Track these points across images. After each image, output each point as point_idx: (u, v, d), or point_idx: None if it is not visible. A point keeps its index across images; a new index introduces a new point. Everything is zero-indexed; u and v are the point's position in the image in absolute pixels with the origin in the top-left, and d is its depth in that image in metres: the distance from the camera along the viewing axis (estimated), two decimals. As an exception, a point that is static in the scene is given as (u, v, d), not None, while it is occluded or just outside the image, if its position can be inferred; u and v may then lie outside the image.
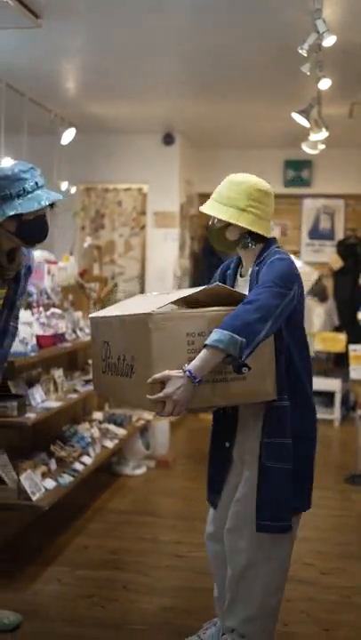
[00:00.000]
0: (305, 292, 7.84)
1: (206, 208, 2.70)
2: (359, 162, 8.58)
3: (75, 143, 7.06)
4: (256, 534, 2.63)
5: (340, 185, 8.74)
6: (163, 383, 2.35)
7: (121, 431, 5.20)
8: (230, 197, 2.64)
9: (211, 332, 2.36)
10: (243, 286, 2.74)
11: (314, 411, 2.75)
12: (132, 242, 8.56)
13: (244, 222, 2.61)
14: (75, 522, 4.43)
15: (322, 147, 6.27)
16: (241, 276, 2.79)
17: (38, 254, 4.91)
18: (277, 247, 2.68)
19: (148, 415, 5.64)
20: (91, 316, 2.89)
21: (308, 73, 4.39)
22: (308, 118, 5.42)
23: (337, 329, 8.24)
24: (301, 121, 5.43)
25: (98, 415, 5.31)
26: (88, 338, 4.93)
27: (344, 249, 8.66)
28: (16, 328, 3.19)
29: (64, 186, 7.25)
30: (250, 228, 2.62)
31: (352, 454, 5.99)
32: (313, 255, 8.81)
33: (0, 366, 3.13)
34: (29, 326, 4.02)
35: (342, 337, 7.72)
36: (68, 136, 6.89)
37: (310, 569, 3.83)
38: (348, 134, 7.31)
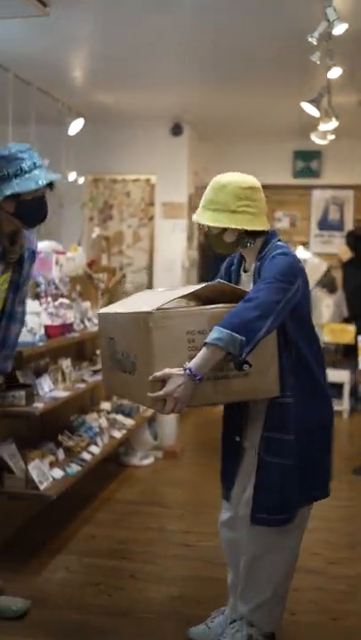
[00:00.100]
0: (314, 284, 7.86)
1: (199, 218, 2.67)
2: (369, 152, 8.55)
3: (83, 133, 7.05)
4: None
5: (349, 176, 8.69)
6: (164, 381, 2.37)
7: (129, 421, 5.20)
8: (220, 202, 2.61)
9: (211, 330, 2.37)
10: (247, 282, 2.74)
11: (329, 401, 2.75)
12: (141, 233, 8.55)
13: (239, 224, 2.59)
14: (82, 511, 4.44)
15: (331, 137, 6.24)
16: (245, 271, 2.78)
17: (46, 244, 4.92)
18: (279, 240, 2.66)
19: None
20: (99, 311, 2.89)
21: (318, 62, 4.37)
22: (317, 108, 5.40)
23: (346, 320, 8.20)
24: (311, 110, 5.40)
25: (106, 405, 5.31)
26: (96, 328, 4.93)
27: (353, 240, 8.60)
28: (24, 314, 3.19)
29: (72, 176, 7.25)
30: (247, 227, 2.60)
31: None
32: (322, 246, 8.78)
33: (10, 353, 3.14)
34: (37, 316, 4.01)
35: (351, 328, 7.69)
36: (76, 126, 6.88)
37: (318, 559, 3.83)
38: (358, 124, 7.26)
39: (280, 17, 4.71)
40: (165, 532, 4.23)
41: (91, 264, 5.70)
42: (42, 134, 6.45)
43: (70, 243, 6.21)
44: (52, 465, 3.98)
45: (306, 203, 8.90)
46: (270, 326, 2.41)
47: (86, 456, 4.32)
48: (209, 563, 3.74)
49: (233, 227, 2.59)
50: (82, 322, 4.82)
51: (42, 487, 3.70)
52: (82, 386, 4.50)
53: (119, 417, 5.19)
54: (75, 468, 4.08)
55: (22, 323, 3.19)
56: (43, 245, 4.84)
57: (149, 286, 8.41)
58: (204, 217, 2.64)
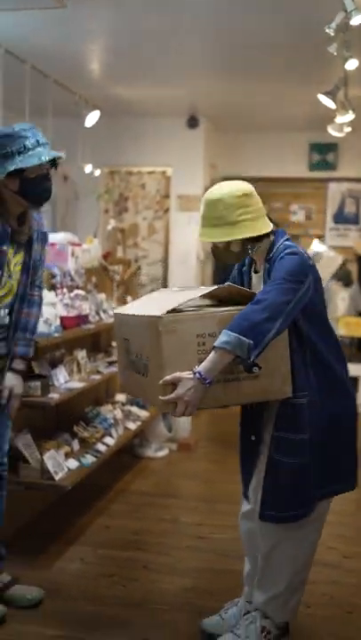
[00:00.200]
0: (329, 277, 7.82)
1: (203, 236, 2.66)
2: (386, 145, 8.49)
3: (99, 126, 7.05)
4: None
5: (366, 169, 8.66)
6: (174, 384, 2.38)
7: (143, 413, 5.21)
8: (217, 217, 2.59)
9: (221, 333, 2.37)
10: (257, 283, 2.74)
11: (351, 396, 2.74)
12: (156, 225, 8.55)
13: (242, 234, 2.58)
14: (97, 502, 4.46)
15: (348, 129, 6.19)
16: (255, 272, 2.78)
17: (62, 236, 4.93)
18: (287, 240, 2.65)
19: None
20: (114, 312, 2.90)
21: (335, 53, 4.33)
22: (334, 100, 5.35)
23: (361, 314, 8.18)
24: (327, 102, 5.36)
25: (120, 397, 5.32)
26: (111, 320, 4.94)
27: (369, 233, 8.59)
28: (41, 298, 3.22)
29: (88, 168, 7.25)
30: (250, 235, 2.59)
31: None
32: (337, 239, 8.74)
33: (31, 338, 3.16)
34: (53, 307, 4.02)
35: (366, 322, 7.66)
36: (93, 118, 6.87)
37: (333, 552, 3.83)
38: (374, 117, 7.21)
39: (297, 8, 4.68)
40: (179, 524, 4.24)
41: (106, 256, 5.70)
42: (58, 126, 6.45)
43: (86, 234, 6.22)
44: (67, 456, 3.99)
45: (322, 196, 8.85)
46: (279, 327, 2.40)
47: (101, 447, 4.34)
48: (222, 555, 3.74)
49: (237, 238, 2.58)
50: (97, 313, 4.83)
51: (57, 477, 3.71)
52: (97, 377, 4.51)
53: (134, 409, 5.20)
54: (90, 459, 4.10)
55: (40, 306, 3.22)
56: (58, 237, 4.86)
57: (164, 279, 8.42)
58: (207, 235, 2.63)
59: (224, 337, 2.35)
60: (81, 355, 4.49)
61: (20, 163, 2.74)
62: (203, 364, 2.38)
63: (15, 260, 2.96)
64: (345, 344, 7.64)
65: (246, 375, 2.45)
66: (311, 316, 2.61)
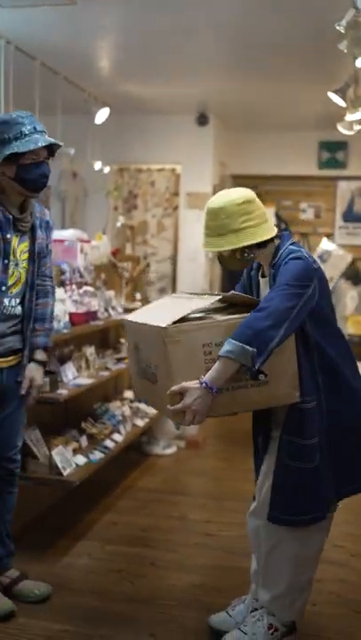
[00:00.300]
0: (338, 275, 7.79)
1: (209, 247, 2.66)
2: (396, 143, 8.46)
3: (108, 123, 7.05)
4: None
5: (376, 167, 8.63)
6: (182, 394, 2.40)
7: (151, 410, 5.21)
8: (220, 226, 2.58)
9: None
10: (264, 287, 2.75)
11: (357, 399, 2.71)
12: (165, 222, 8.54)
13: (246, 241, 2.57)
14: (105, 499, 4.47)
15: (358, 127, 6.16)
16: (263, 276, 2.78)
17: (71, 233, 4.93)
18: (291, 244, 2.64)
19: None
20: (124, 318, 2.91)
21: (346, 50, 4.31)
22: (344, 98, 5.33)
23: (370, 312, 8.17)
24: (337, 100, 5.34)
25: (129, 394, 5.33)
26: (120, 316, 4.95)
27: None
28: (53, 287, 3.25)
29: (97, 165, 7.26)
30: (254, 241, 2.58)
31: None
32: (347, 238, 8.71)
33: (50, 327, 3.18)
34: (62, 303, 4.04)
35: (376, 320, 7.65)
36: (102, 116, 6.87)
37: (341, 551, 3.82)
38: (385, 115, 7.19)
39: (307, 4, 4.67)
40: (187, 521, 4.24)
41: (115, 253, 5.71)
42: (68, 123, 6.45)
43: (95, 231, 6.22)
44: (75, 452, 4.01)
45: (331, 194, 8.82)
46: (284, 334, 2.40)
47: (109, 443, 4.34)
48: (230, 552, 3.75)
49: (241, 245, 2.57)
50: (106, 310, 4.84)
51: (65, 473, 3.73)
52: (105, 374, 4.52)
53: (142, 405, 5.20)
54: (98, 456, 4.11)
55: (54, 295, 3.27)
56: (67, 234, 4.87)
57: (173, 276, 8.42)
58: (212, 244, 2.63)
59: (228, 346, 2.36)
60: (89, 351, 4.50)
61: (16, 148, 2.77)
62: (209, 373, 2.40)
63: (21, 249, 2.97)
64: (354, 342, 7.63)
65: (254, 382, 2.46)
66: (318, 320, 2.60)
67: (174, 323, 2.43)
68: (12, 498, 3.20)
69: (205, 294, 2.88)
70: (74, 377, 4.11)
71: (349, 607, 3.27)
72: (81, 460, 3.96)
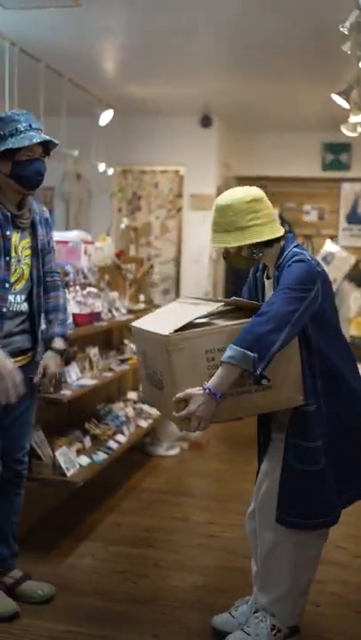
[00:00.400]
0: (342, 277, 7.78)
1: (215, 243, 2.67)
2: None
3: (112, 125, 7.07)
4: None
5: (379, 169, 8.63)
6: (186, 400, 2.41)
7: (155, 411, 5.22)
8: (228, 222, 2.60)
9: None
10: (269, 288, 2.75)
11: (357, 400, 2.71)
12: (169, 224, 8.55)
13: (253, 239, 2.59)
14: (108, 499, 4.48)
15: (362, 129, 6.18)
16: (267, 278, 2.78)
17: (75, 234, 4.95)
18: (296, 246, 2.64)
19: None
20: (131, 325, 2.92)
21: (349, 52, 4.32)
22: (347, 100, 5.34)
23: (374, 314, 8.16)
24: (341, 102, 5.35)
25: (132, 395, 5.34)
26: (124, 318, 4.97)
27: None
28: (62, 282, 3.29)
29: (101, 167, 7.28)
30: (261, 239, 2.59)
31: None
32: (350, 240, 8.71)
33: (64, 317, 3.21)
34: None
35: (379, 322, 7.64)
36: (106, 117, 6.89)
37: (343, 552, 3.83)
38: (388, 117, 7.19)
39: (311, 7, 4.68)
40: (190, 522, 4.25)
41: (119, 254, 5.72)
42: (72, 125, 6.47)
43: (99, 233, 6.24)
44: (78, 452, 4.02)
45: (335, 196, 8.83)
46: (286, 338, 2.40)
47: (113, 444, 4.35)
48: (232, 553, 3.75)
49: (247, 243, 2.59)
50: (110, 311, 4.85)
51: (69, 474, 3.74)
52: (109, 375, 4.53)
53: (145, 407, 5.21)
54: (101, 456, 4.12)
55: (64, 290, 3.33)
56: (72, 235, 4.88)
57: (177, 277, 8.42)
58: (219, 240, 2.64)
59: (229, 352, 2.37)
60: (93, 352, 4.51)
61: (10, 144, 2.79)
62: (212, 379, 2.41)
63: (22, 245, 2.98)
64: (357, 345, 7.63)
65: (257, 387, 2.47)
66: (321, 324, 2.61)
67: (177, 330, 2.44)
68: (19, 499, 3.21)
69: (211, 300, 2.88)
70: (77, 378, 4.13)
71: (351, 608, 3.27)
72: (84, 460, 3.97)
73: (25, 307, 3.01)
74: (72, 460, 3.85)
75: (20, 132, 2.81)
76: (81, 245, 4.70)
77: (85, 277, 4.64)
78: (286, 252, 2.62)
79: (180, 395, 2.42)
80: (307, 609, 2.91)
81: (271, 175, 8.52)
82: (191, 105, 7.64)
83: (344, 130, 6.19)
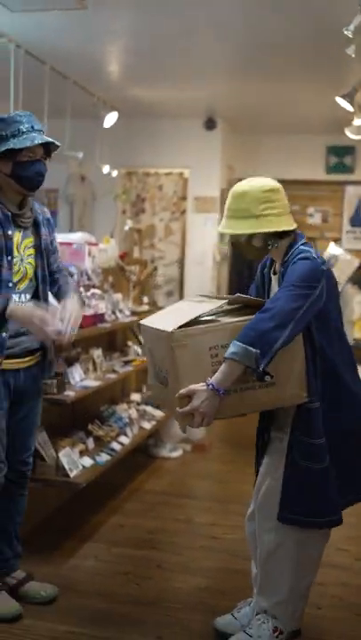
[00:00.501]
0: (345, 280, 7.77)
1: (225, 228, 2.67)
2: None
3: (117, 127, 7.08)
4: None
5: (383, 172, 8.64)
6: (190, 397, 2.41)
7: (158, 413, 5.23)
8: (243, 209, 2.60)
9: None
10: (275, 284, 2.75)
11: (357, 404, 2.70)
12: (173, 226, 8.57)
13: (266, 227, 2.59)
14: (111, 501, 4.48)
15: (366, 132, 6.19)
16: (274, 274, 2.79)
17: (79, 236, 4.96)
18: (303, 244, 2.64)
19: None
20: (140, 322, 2.93)
21: (354, 55, 4.33)
22: (351, 102, 5.35)
23: (377, 317, 8.14)
24: (345, 105, 5.36)
25: (136, 397, 5.35)
26: (127, 319, 4.97)
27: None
28: (70, 273, 3.31)
29: (106, 169, 7.29)
30: (273, 229, 2.60)
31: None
32: (354, 242, 8.72)
33: (75, 294, 3.20)
34: (70, 306, 4.04)
35: (383, 325, 7.63)
36: (111, 120, 6.90)
37: (345, 554, 3.83)
38: (392, 120, 7.19)
39: (315, 10, 4.69)
40: (193, 524, 4.25)
41: (123, 256, 5.73)
42: (77, 127, 6.50)
43: (103, 235, 6.26)
44: (81, 453, 4.02)
45: (339, 199, 8.83)
46: (289, 335, 2.41)
47: (116, 446, 4.36)
48: (235, 555, 3.75)
49: (260, 231, 2.59)
50: (113, 313, 4.85)
51: (72, 475, 3.74)
52: (112, 376, 4.53)
53: (149, 408, 5.22)
54: (104, 458, 4.12)
55: (72, 278, 3.35)
56: (76, 237, 4.89)
57: (181, 280, 8.43)
58: (230, 226, 2.65)
59: (232, 348, 2.38)
60: (97, 353, 4.52)
61: (12, 144, 2.80)
62: (215, 375, 2.41)
63: (25, 244, 2.98)
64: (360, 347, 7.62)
65: (261, 383, 2.47)
66: (324, 324, 2.61)
67: (181, 327, 2.45)
68: (23, 500, 3.22)
69: (217, 298, 2.89)
70: (81, 379, 4.13)
71: (352, 611, 3.27)
72: (87, 461, 3.98)
73: (30, 306, 3.02)
74: (75, 461, 3.85)
75: (22, 132, 2.82)
76: (85, 247, 4.70)
77: (89, 279, 4.65)
78: (294, 249, 2.62)
79: (183, 391, 2.42)
80: (307, 611, 2.92)
81: (275, 178, 8.50)
82: (195, 108, 7.66)
83: (348, 133, 6.21)
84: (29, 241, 3.00)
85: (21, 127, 2.82)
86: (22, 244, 2.97)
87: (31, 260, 3.00)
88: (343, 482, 2.68)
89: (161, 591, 3.38)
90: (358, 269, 8.04)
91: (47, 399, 3.65)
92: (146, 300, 5.93)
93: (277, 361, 2.42)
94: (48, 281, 3.10)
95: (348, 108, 5.39)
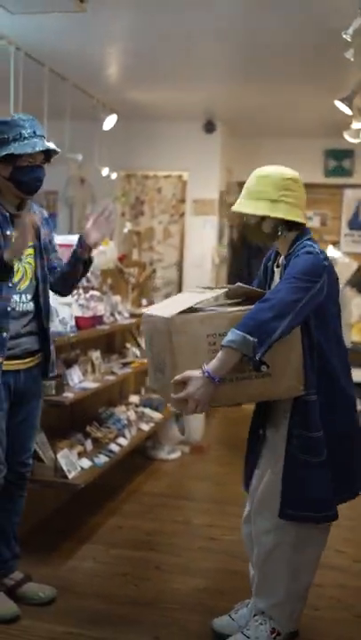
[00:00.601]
0: (344, 283, 7.78)
1: (239, 207, 2.70)
2: None
3: (116, 130, 7.09)
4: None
5: (382, 175, 8.64)
6: (186, 383, 2.42)
7: (156, 415, 5.24)
8: (261, 191, 2.63)
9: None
10: (278, 276, 2.76)
11: (350, 407, 2.72)
12: (171, 229, 8.58)
13: (279, 213, 2.61)
14: (109, 502, 4.49)
15: (365, 135, 6.20)
16: (277, 267, 2.80)
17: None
18: (308, 239, 2.66)
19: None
20: (143, 311, 2.95)
21: (352, 59, 4.34)
22: (350, 106, 5.36)
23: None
24: (344, 109, 5.37)
25: (134, 399, 5.35)
26: (126, 321, 4.98)
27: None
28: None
29: (105, 172, 7.30)
30: (285, 217, 2.61)
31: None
32: (352, 246, 8.73)
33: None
34: (69, 307, 4.06)
35: (381, 328, 7.65)
36: (110, 122, 6.91)
37: (342, 556, 3.83)
38: (391, 123, 7.21)
39: (314, 14, 4.70)
40: (191, 526, 4.26)
41: (122, 258, 5.74)
42: (76, 130, 6.50)
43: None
44: (80, 455, 4.03)
45: (337, 202, 8.85)
46: (287, 326, 2.42)
47: (114, 447, 4.37)
48: (233, 556, 3.76)
49: (272, 215, 2.61)
50: (112, 315, 4.87)
51: (70, 476, 3.75)
52: (111, 378, 4.54)
53: (147, 410, 5.23)
54: (102, 459, 4.13)
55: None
56: (75, 238, 4.88)
57: (179, 282, 8.44)
58: (244, 205, 2.67)
59: (230, 336, 2.38)
60: (95, 355, 4.52)
61: (13, 149, 2.81)
62: (212, 362, 2.42)
63: None
64: (359, 350, 7.63)
65: (257, 374, 2.48)
66: (323, 321, 2.62)
67: (180, 314, 2.46)
68: (22, 501, 3.22)
69: (220, 288, 2.90)
70: (80, 381, 4.14)
71: (350, 612, 3.28)
72: (86, 463, 3.98)
73: (31, 306, 3.03)
74: (73, 462, 3.86)
75: (24, 137, 2.83)
76: (84, 249, 4.70)
77: (88, 281, 4.66)
78: (299, 243, 2.64)
79: (178, 377, 2.43)
80: (305, 613, 2.92)
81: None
82: (195, 110, 7.67)
83: (347, 136, 6.22)
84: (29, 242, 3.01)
85: (23, 132, 2.83)
86: None
87: (30, 259, 3.02)
88: (339, 483, 2.69)
89: (159, 592, 3.39)
90: (357, 272, 8.06)
91: (46, 401, 3.65)
92: (145, 302, 5.94)
93: (275, 352, 2.43)
94: (48, 280, 3.11)
95: (347, 111, 5.40)
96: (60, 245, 3.46)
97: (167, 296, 8.31)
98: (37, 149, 2.84)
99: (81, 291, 4.46)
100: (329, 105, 5.62)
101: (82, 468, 3.91)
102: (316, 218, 8.88)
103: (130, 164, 8.35)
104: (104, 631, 3.01)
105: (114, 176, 7.62)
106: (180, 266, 8.49)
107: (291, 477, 2.65)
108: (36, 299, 3.05)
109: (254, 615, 2.86)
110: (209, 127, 8.10)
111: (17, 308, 2.96)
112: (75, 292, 4.37)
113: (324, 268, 2.54)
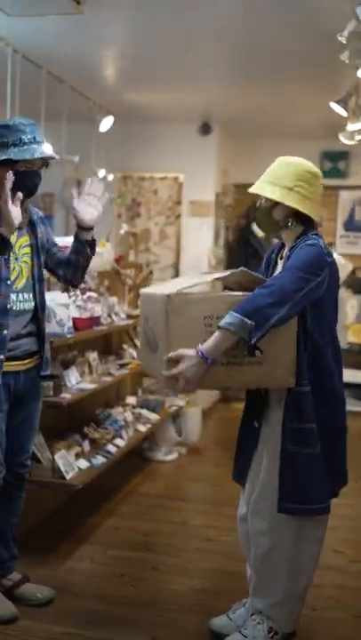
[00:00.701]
0: (339, 283, 7.76)
1: (255, 188, 2.73)
2: None
3: (113, 131, 7.10)
4: (280, 516, 2.67)
5: (377, 177, 8.66)
6: (178, 361, 2.42)
7: (154, 416, 5.24)
8: (279, 177, 2.66)
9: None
10: (280, 268, 2.77)
11: (341, 402, 2.74)
12: (168, 231, 8.58)
13: (291, 201, 2.63)
14: (107, 503, 4.49)
15: (359, 137, 6.20)
16: (281, 258, 2.81)
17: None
18: (314, 234, 2.68)
19: (180, 401, 5.69)
20: (141, 290, 2.96)
21: (347, 61, 4.36)
22: (345, 108, 5.38)
23: (371, 321, 8.18)
24: (339, 110, 5.39)
25: (131, 400, 5.36)
26: (123, 322, 4.99)
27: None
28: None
29: (101, 173, 7.30)
30: (297, 207, 2.63)
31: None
32: (347, 247, 8.75)
33: None
34: (66, 308, 4.06)
35: (376, 329, 7.67)
36: (107, 124, 6.92)
37: (340, 556, 3.84)
38: (386, 125, 7.23)
39: (310, 16, 4.71)
40: (188, 526, 4.27)
41: (118, 260, 5.75)
42: (73, 131, 6.50)
43: (99, 238, 6.21)
44: (77, 456, 4.04)
45: (333, 203, 8.86)
46: (285, 314, 2.43)
47: (111, 448, 4.37)
48: (230, 557, 3.76)
49: (285, 202, 2.63)
50: (109, 316, 4.87)
51: (68, 477, 3.75)
52: (108, 379, 4.55)
53: (144, 411, 5.23)
54: (100, 460, 4.14)
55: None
56: (71, 240, 4.89)
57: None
58: (260, 188, 2.71)
59: (228, 318, 2.40)
60: (92, 356, 4.53)
61: (12, 154, 2.82)
62: (206, 342, 2.43)
63: (20, 243, 3.00)
64: (354, 351, 7.65)
65: (250, 360, 2.49)
66: (318, 315, 2.63)
67: (179, 294, 2.48)
68: (20, 502, 3.23)
69: (223, 272, 2.92)
70: (77, 382, 4.15)
71: (349, 612, 3.29)
72: (83, 464, 3.99)
73: (28, 305, 3.03)
74: (71, 463, 3.87)
75: (24, 143, 2.83)
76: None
77: (85, 282, 4.66)
78: (304, 236, 2.66)
79: (172, 354, 2.44)
80: (303, 613, 2.93)
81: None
82: (191, 112, 7.68)
83: (342, 138, 6.23)
84: (25, 240, 3.03)
85: (24, 137, 2.83)
86: (17, 243, 2.99)
87: (27, 258, 3.03)
88: (333, 476, 2.70)
89: (157, 592, 3.40)
90: (352, 273, 8.08)
91: (43, 401, 3.65)
92: (141, 303, 5.94)
93: (269, 341, 2.44)
94: (44, 279, 3.12)
95: (343, 113, 5.42)
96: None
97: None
98: (36, 156, 2.85)
99: (78, 292, 4.47)
100: (324, 107, 5.64)
101: (79, 469, 3.91)
102: (313, 219, 8.89)
103: (126, 166, 8.35)
104: (102, 631, 3.02)
105: (110, 177, 7.63)
106: (176, 267, 8.49)
107: (287, 471, 2.66)
108: (32, 297, 3.06)
109: (252, 614, 2.86)
110: (205, 129, 8.09)
111: (14, 307, 2.97)
112: (71, 293, 4.39)
113: (327, 263, 2.56)
